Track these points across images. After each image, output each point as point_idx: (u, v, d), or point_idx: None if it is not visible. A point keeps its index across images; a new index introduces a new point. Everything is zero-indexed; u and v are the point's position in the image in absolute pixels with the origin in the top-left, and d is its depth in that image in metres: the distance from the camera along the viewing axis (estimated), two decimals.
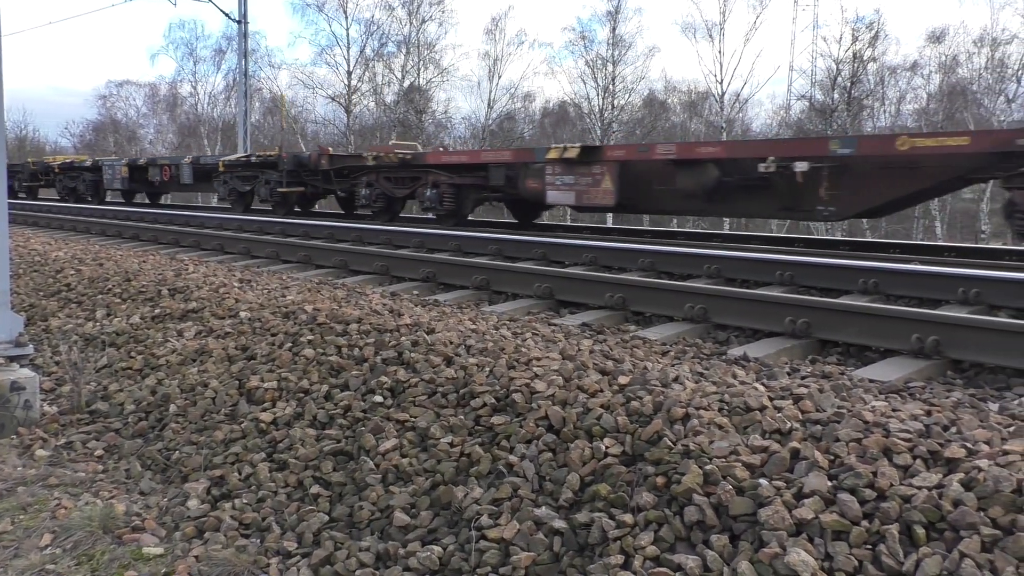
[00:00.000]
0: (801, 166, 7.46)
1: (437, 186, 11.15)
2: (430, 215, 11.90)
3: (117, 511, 2.90)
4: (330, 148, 15.15)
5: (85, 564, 2.60)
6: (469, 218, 11.87)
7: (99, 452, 3.55)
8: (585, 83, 36.91)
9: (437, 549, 2.43)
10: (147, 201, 21.62)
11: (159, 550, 2.68)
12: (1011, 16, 38.64)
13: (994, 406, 2.93)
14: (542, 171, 10.00)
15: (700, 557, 2.08)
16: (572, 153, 9.52)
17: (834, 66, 31.95)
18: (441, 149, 18.20)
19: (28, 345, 4.20)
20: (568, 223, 17.39)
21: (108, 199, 21.47)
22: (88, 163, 20.90)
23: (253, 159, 14.91)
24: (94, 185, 20.43)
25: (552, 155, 9.80)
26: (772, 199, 8.12)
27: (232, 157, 15.79)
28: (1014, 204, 6.69)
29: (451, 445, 2.85)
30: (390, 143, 16.42)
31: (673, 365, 3.37)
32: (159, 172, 17.72)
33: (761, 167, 7.63)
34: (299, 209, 14.93)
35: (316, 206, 15.25)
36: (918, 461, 2.19)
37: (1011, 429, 2.40)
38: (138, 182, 18.91)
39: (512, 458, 2.67)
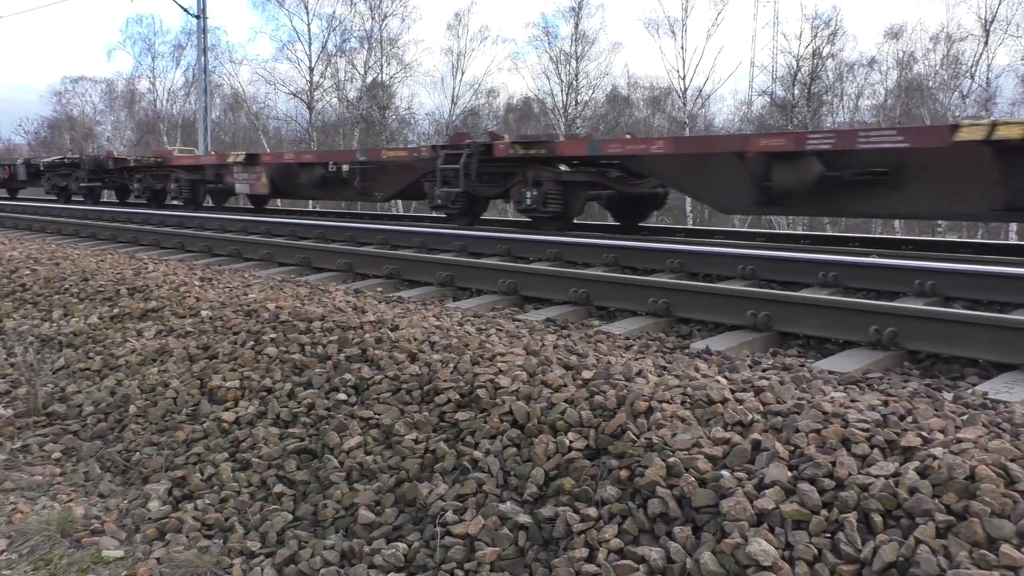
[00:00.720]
0: (345, 167, 12.30)
1: (179, 181, 15.52)
2: (178, 202, 15.92)
3: (76, 514, 2.85)
4: (115, 152, 20.67)
5: (43, 569, 2.56)
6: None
7: (57, 455, 3.49)
8: (549, 79, 37.00)
9: (402, 546, 2.43)
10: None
11: (119, 552, 2.64)
12: (966, 13, 39.31)
13: (949, 395, 2.99)
14: (232, 170, 14.33)
15: (663, 549, 2.10)
16: (240, 158, 14.16)
17: (794, 62, 32.36)
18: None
19: None
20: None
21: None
22: None
23: (66, 160, 19.14)
24: None
25: (230, 160, 14.42)
26: (345, 189, 12.87)
27: (49, 159, 20.29)
28: None
29: (416, 442, 2.85)
30: (174, 150, 20.96)
31: (636, 359, 3.39)
32: (2, 171, 21.64)
33: (333, 169, 12.50)
34: (119, 200, 18.74)
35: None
36: (875, 450, 2.23)
37: (964, 418, 2.46)
38: None
39: (477, 454, 2.68)
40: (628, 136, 11.12)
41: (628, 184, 9.55)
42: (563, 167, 9.66)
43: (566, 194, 9.40)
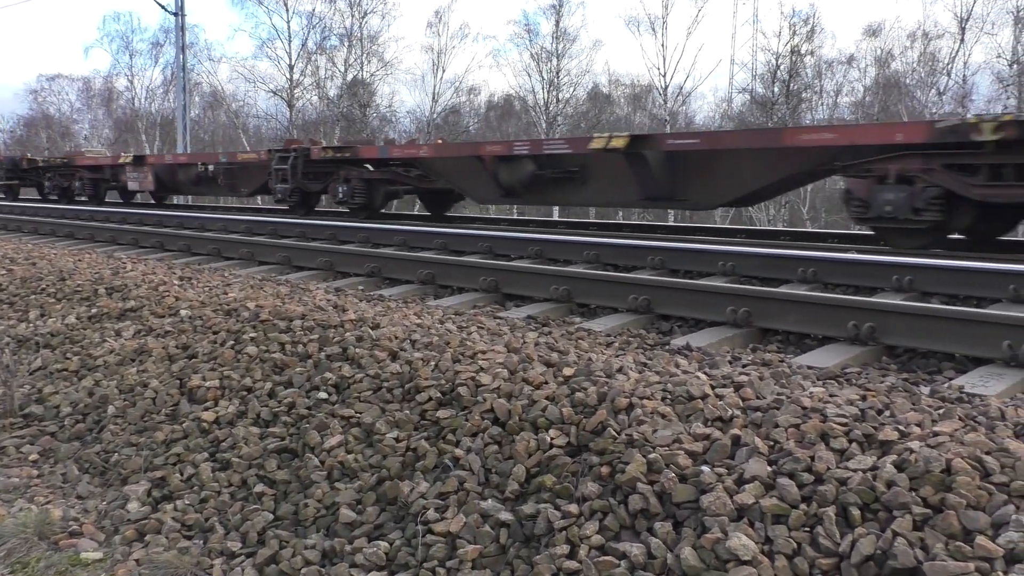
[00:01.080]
0: (211, 167, 14.62)
1: (82, 179, 17.89)
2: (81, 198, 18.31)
3: (53, 516, 2.83)
4: (28, 154, 22.13)
5: (20, 572, 2.53)
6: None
7: (34, 456, 3.46)
8: (530, 76, 37.01)
9: (384, 545, 2.42)
10: None
11: (98, 555, 2.62)
12: (942, 11, 39.75)
13: (926, 389, 3.02)
14: (125, 170, 16.64)
15: (644, 545, 2.11)
16: (130, 160, 16.48)
17: (774, 60, 32.53)
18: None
19: None
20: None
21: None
22: None
23: None
24: None
25: (122, 160, 16.72)
26: (215, 186, 15.09)
27: None
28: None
29: (397, 440, 2.84)
30: (86, 151, 22.64)
31: (617, 356, 3.40)
32: None
33: (201, 169, 14.81)
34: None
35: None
36: (854, 444, 2.24)
37: (941, 411, 2.48)
38: None
39: (458, 452, 2.68)
40: (436, 142, 15.02)
41: (425, 181, 11.66)
42: (369, 167, 11.94)
43: (370, 189, 11.79)
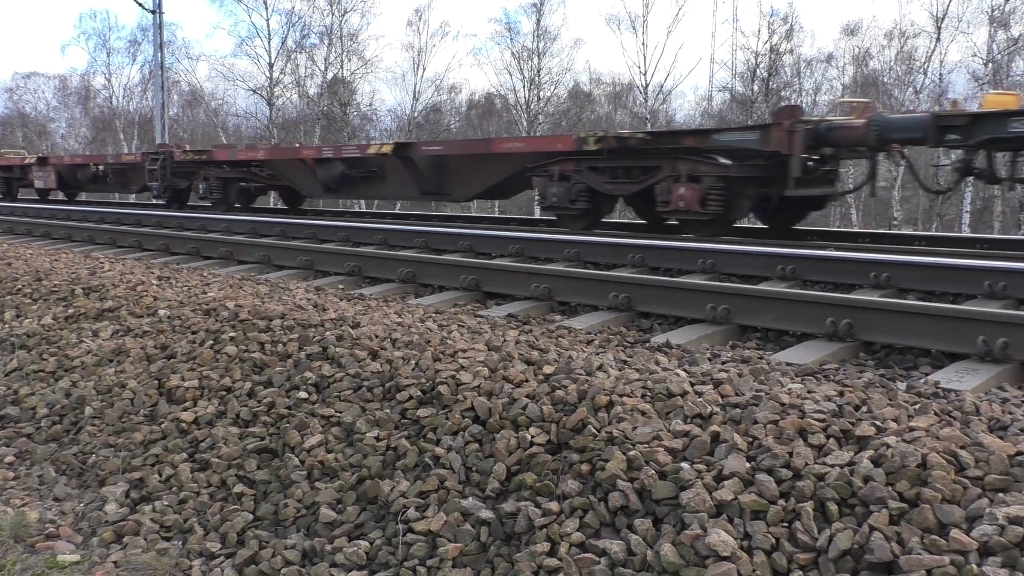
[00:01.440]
0: (102, 167, 16.47)
1: None
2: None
3: (29, 519, 2.80)
4: None
5: None
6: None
7: (9, 459, 3.42)
8: (511, 75, 36.95)
9: (364, 544, 2.42)
10: None
11: (75, 557, 2.60)
12: (918, 10, 40.11)
13: (902, 385, 3.05)
14: (31, 170, 18.37)
15: (624, 541, 2.12)
16: (34, 160, 18.48)
17: (753, 58, 32.70)
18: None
19: None
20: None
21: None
22: None
23: None
24: None
25: (28, 161, 18.70)
26: (107, 184, 17.04)
27: None
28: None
29: (377, 439, 2.84)
30: (3, 152, 23.47)
31: (597, 354, 3.41)
32: None
33: (94, 168, 16.74)
34: None
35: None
36: (831, 440, 2.26)
37: (917, 407, 2.51)
38: None
39: (438, 450, 2.67)
40: (275, 145, 17.71)
41: (273, 179, 13.58)
42: (226, 167, 13.74)
43: (225, 186, 13.80)
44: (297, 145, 21.69)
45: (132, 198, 22.02)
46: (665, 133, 8.85)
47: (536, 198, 9.52)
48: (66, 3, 70.81)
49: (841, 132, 7.21)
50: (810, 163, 7.53)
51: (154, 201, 15.74)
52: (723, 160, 7.85)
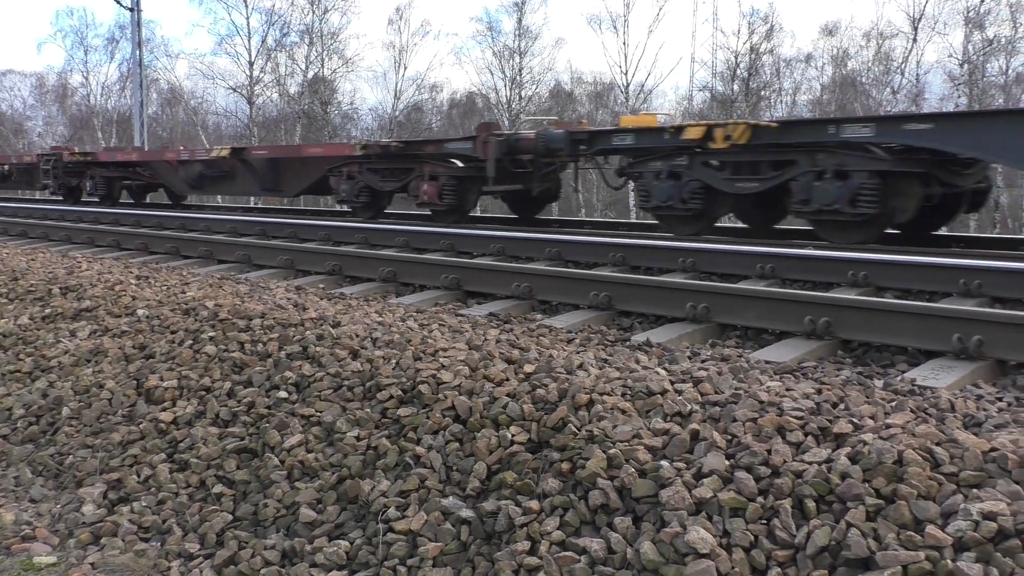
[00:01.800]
0: (6, 167, 18.18)
1: None
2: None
3: (5, 520, 2.77)
4: None
5: None
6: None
7: None
8: (492, 74, 37.01)
9: (344, 544, 2.41)
10: None
11: (51, 559, 2.57)
12: (895, 11, 40.50)
13: (879, 383, 3.08)
14: None
15: (604, 540, 2.13)
16: None
17: (733, 58, 32.87)
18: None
19: None
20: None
21: None
22: None
23: None
24: None
25: None
26: (11, 183, 18.88)
27: None
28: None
29: (357, 439, 2.83)
30: None
31: (578, 352, 3.42)
32: None
33: (1, 168, 18.54)
34: None
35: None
36: (809, 438, 2.28)
37: (893, 404, 2.53)
38: None
39: (419, 449, 2.67)
40: (162, 147, 19.73)
41: (152, 178, 15.25)
42: (111, 167, 15.64)
43: (109, 184, 15.80)
44: (162, 148, 24.01)
45: (38, 194, 23.22)
46: (414, 142, 11.09)
47: (335, 192, 11.26)
48: (42, 0, 70.04)
49: (523, 143, 9.25)
50: (508, 166, 9.42)
51: (50, 195, 18.21)
52: (458, 163, 9.86)
